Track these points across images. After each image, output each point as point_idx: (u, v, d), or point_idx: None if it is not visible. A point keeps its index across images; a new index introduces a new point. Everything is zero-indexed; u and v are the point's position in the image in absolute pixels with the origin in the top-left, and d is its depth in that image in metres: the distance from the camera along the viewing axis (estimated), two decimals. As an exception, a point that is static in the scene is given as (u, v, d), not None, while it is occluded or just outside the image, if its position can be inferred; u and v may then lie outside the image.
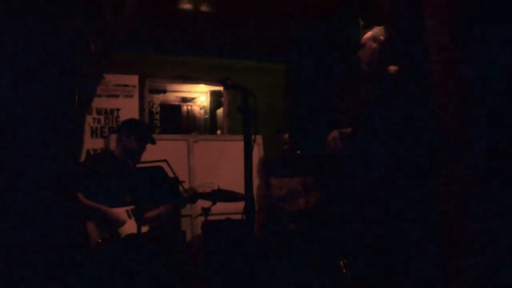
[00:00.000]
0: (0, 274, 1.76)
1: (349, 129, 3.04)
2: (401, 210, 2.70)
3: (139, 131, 3.50)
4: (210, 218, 4.01)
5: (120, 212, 3.26)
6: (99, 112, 5.17)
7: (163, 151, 3.60)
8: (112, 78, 5.22)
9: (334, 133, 3.07)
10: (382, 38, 2.98)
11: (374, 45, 3.00)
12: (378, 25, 3.06)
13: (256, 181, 4.90)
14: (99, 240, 3.10)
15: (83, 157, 4.74)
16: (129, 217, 3.28)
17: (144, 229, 3.29)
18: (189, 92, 7.29)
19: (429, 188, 2.61)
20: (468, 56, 2.42)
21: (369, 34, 3.04)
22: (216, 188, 3.90)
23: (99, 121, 5.15)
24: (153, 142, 3.53)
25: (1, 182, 1.82)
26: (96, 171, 3.33)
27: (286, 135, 4.71)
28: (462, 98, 2.44)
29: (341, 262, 3.45)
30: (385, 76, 2.89)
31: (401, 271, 2.68)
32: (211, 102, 7.33)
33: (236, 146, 5.01)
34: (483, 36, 2.38)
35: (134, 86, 5.36)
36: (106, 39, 2.35)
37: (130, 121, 3.69)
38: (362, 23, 3.68)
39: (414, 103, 2.72)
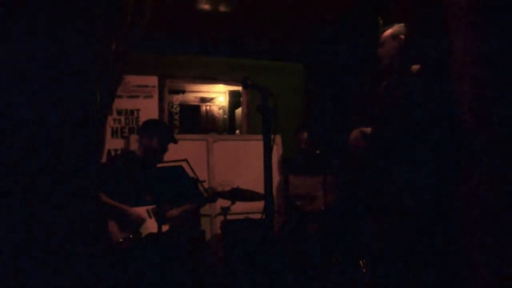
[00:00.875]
0: (16, 273, 1.79)
1: (370, 129, 3.02)
2: (425, 211, 2.67)
3: (161, 132, 3.52)
4: (229, 217, 4.02)
5: (141, 211, 3.29)
6: (119, 112, 5.23)
7: (183, 151, 3.62)
8: (132, 79, 5.28)
9: (356, 133, 3.05)
10: (402, 36, 2.95)
11: (394, 43, 2.96)
12: (398, 22, 3.03)
13: (275, 181, 4.90)
14: (120, 240, 3.13)
15: (104, 157, 4.79)
16: (150, 217, 3.31)
17: (165, 228, 3.31)
18: (208, 92, 7.32)
19: (454, 190, 2.58)
20: (491, 54, 2.38)
21: (389, 32, 3.00)
22: (235, 188, 3.91)
23: (119, 121, 5.21)
24: (175, 141, 3.55)
25: (22, 180, 1.84)
26: (117, 170, 3.36)
27: (305, 134, 4.70)
28: (485, 97, 2.41)
29: (361, 262, 3.44)
30: (407, 75, 2.86)
31: (422, 273, 2.66)
32: (230, 102, 7.35)
33: (255, 145, 5.04)
34: (506, 33, 2.34)
35: (154, 86, 5.41)
36: (126, 39, 2.37)
37: (151, 122, 3.73)
38: (381, 21, 3.65)
39: (437, 102, 2.69)
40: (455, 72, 2.55)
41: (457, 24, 2.55)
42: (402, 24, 3.00)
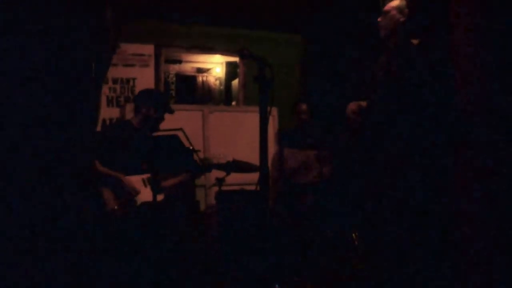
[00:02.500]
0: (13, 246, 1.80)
1: (367, 102, 3.00)
2: (419, 184, 2.68)
3: (158, 101, 3.52)
4: (224, 188, 4.03)
5: (135, 180, 3.29)
6: (115, 81, 5.18)
7: (178, 121, 3.60)
8: (128, 48, 5.21)
9: (352, 106, 3.04)
10: (407, 10, 2.90)
11: (399, 16, 2.91)
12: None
13: (270, 153, 4.91)
14: (116, 207, 3.15)
15: (99, 126, 4.78)
16: (145, 186, 3.32)
17: (160, 197, 3.33)
18: (204, 62, 7.24)
19: (447, 166, 2.58)
20: (494, 36, 2.35)
21: (395, 3, 2.94)
22: (231, 159, 3.91)
23: (114, 90, 5.17)
24: (171, 111, 3.55)
25: (14, 153, 1.83)
26: (113, 139, 3.36)
27: (304, 106, 4.68)
28: (485, 78, 2.39)
29: (353, 235, 3.47)
30: (407, 49, 2.83)
31: (415, 245, 2.69)
32: (227, 73, 7.28)
33: (251, 117, 5.03)
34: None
35: (150, 55, 5.35)
36: (122, 7, 2.33)
37: (149, 91, 3.72)
38: (382, -7, 3.59)
39: (436, 78, 2.67)
40: (455, 47, 2.53)
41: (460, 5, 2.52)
42: None
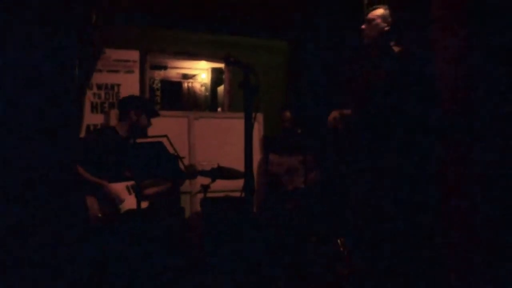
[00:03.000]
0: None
1: (349, 111, 3.02)
2: (404, 190, 2.70)
3: (147, 107, 3.52)
4: (209, 195, 4.02)
5: (120, 187, 3.26)
6: (99, 87, 5.14)
7: (164, 127, 3.59)
8: (113, 53, 5.17)
9: (335, 113, 3.06)
10: (390, 19, 2.94)
11: (384, 25, 2.94)
12: (382, 4, 3.02)
13: (256, 159, 4.90)
14: (99, 215, 3.12)
15: (83, 132, 4.73)
16: (129, 193, 3.29)
17: (144, 205, 3.30)
18: (190, 68, 7.23)
19: (433, 173, 2.61)
20: (476, 41, 2.39)
21: (379, 11, 2.97)
22: (216, 166, 3.90)
23: (99, 96, 5.13)
24: (157, 114, 3.56)
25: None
26: (97, 146, 3.33)
27: (288, 113, 4.69)
28: (469, 83, 2.42)
29: (338, 240, 3.48)
30: (390, 57, 2.86)
31: (402, 251, 2.70)
32: (212, 79, 7.27)
33: (237, 123, 5.02)
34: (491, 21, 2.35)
35: (135, 61, 5.32)
36: (107, 12, 2.32)
37: (134, 97, 3.71)
38: (366, 1, 3.63)
39: (418, 84, 2.70)
40: (436, 55, 2.56)
41: (441, 6, 2.55)
42: (387, 6, 2.99)
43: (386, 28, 2.94)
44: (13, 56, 1.86)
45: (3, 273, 1.75)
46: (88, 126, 4.96)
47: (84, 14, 2.14)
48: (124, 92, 5.07)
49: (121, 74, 5.24)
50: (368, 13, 3.03)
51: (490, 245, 2.29)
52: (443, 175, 2.52)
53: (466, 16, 2.43)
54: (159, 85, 7.05)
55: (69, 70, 2.07)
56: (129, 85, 5.23)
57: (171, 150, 3.38)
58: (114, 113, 4.91)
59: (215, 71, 7.12)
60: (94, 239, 3.00)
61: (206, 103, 7.40)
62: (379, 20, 2.96)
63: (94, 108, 5.08)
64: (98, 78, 5.07)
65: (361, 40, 3.03)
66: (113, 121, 4.81)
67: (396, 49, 2.91)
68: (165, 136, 3.35)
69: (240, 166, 2.66)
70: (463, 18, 2.44)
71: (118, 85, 5.21)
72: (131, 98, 3.66)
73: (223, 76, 6.17)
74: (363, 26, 3.01)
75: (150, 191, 3.44)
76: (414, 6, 3.06)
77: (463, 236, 2.39)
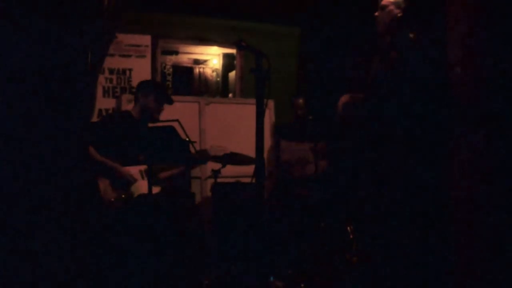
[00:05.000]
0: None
1: (361, 95, 3.00)
2: (413, 179, 2.69)
3: (157, 91, 3.53)
4: (220, 180, 4.03)
5: (133, 171, 3.29)
6: (111, 71, 5.15)
7: (175, 113, 3.59)
8: (125, 38, 5.18)
9: (345, 98, 3.03)
10: (404, 5, 2.90)
11: (397, 11, 2.90)
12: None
13: (267, 145, 4.90)
14: (112, 199, 3.14)
15: (95, 116, 4.76)
16: (142, 177, 3.31)
17: (156, 189, 3.32)
18: (201, 54, 7.22)
19: (442, 161, 2.58)
20: (490, 28, 2.35)
21: None
22: (228, 152, 3.90)
23: (111, 80, 5.14)
24: (170, 102, 3.56)
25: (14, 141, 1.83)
26: (111, 130, 3.35)
27: (301, 100, 4.68)
28: (481, 72, 2.38)
29: (348, 228, 3.48)
30: (403, 43, 2.83)
31: (410, 239, 2.70)
32: (224, 64, 7.26)
33: (248, 109, 5.01)
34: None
35: (147, 46, 5.32)
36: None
37: (148, 82, 3.76)
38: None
39: (432, 71, 2.67)
40: (451, 42, 2.52)
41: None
42: None
43: (399, 14, 2.90)
44: (25, 39, 1.86)
45: (12, 260, 1.77)
46: (100, 110, 4.99)
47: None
48: (136, 77, 5.08)
49: (132, 58, 5.25)
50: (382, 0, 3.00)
51: (497, 248, 2.27)
52: (452, 168, 2.49)
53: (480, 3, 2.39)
54: (171, 70, 7.05)
55: (82, 54, 2.07)
56: (141, 70, 5.24)
57: (182, 135, 3.39)
58: (125, 98, 4.93)
59: (226, 57, 7.10)
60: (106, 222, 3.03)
61: (217, 89, 7.40)
62: (392, 7, 2.92)
63: (106, 92, 5.11)
64: (110, 62, 5.09)
65: (375, 27, 2.99)
66: (125, 105, 4.83)
67: (411, 35, 2.87)
68: (177, 120, 3.36)
69: (250, 152, 2.67)
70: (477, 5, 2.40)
71: (130, 70, 5.22)
72: (143, 82, 3.68)
73: (235, 62, 6.16)
74: (376, 13, 2.97)
75: (162, 175, 3.46)
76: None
77: (471, 235, 2.38)
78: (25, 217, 1.80)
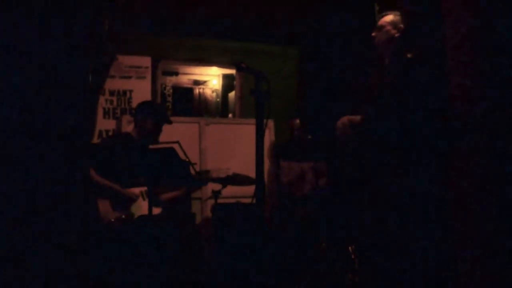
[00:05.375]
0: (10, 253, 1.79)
1: (359, 116, 3.01)
2: (412, 197, 2.68)
3: (155, 113, 3.54)
4: (220, 201, 4.02)
5: (136, 191, 3.30)
6: (111, 93, 5.18)
7: (175, 133, 3.61)
8: (125, 59, 5.22)
9: (344, 119, 3.05)
10: (401, 26, 2.93)
11: (394, 31, 2.93)
12: (393, 10, 3.01)
13: (267, 165, 4.90)
14: (112, 220, 3.13)
15: (95, 137, 4.77)
16: (143, 199, 3.31)
17: (156, 210, 3.31)
18: (201, 75, 7.27)
19: (441, 178, 2.58)
20: (489, 44, 2.37)
21: (389, 18, 2.96)
22: (230, 174, 3.90)
23: (111, 102, 5.17)
24: (169, 122, 3.57)
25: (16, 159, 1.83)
26: (111, 151, 3.36)
27: (297, 121, 4.69)
28: (479, 89, 2.40)
29: (349, 248, 3.46)
30: (400, 63, 2.85)
31: (411, 259, 2.68)
32: (223, 85, 7.31)
33: (248, 129, 5.02)
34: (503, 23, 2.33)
35: (147, 67, 5.36)
36: (120, 19, 2.34)
37: (146, 103, 3.75)
38: (377, 7, 3.63)
39: (429, 90, 2.69)
40: (448, 60, 2.54)
41: (452, 13, 2.53)
42: (398, 13, 2.98)
43: (396, 35, 2.93)
44: (26, 62, 1.88)
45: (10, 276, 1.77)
46: (100, 132, 5.00)
47: (97, 21, 2.16)
48: (136, 98, 5.10)
49: (133, 80, 5.28)
50: (378, 20, 3.03)
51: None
52: (452, 186, 2.49)
53: (479, 13, 2.42)
54: (171, 91, 7.09)
55: (83, 76, 2.09)
56: (141, 91, 5.27)
57: (182, 156, 3.40)
58: (125, 119, 4.94)
59: (226, 77, 7.15)
60: (107, 243, 3.01)
61: (217, 109, 7.43)
62: (389, 27, 2.95)
63: (106, 113, 5.13)
64: (111, 84, 5.12)
65: (373, 47, 3.02)
66: (125, 127, 4.84)
67: (408, 55, 2.89)
68: (177, 142, 3.37)
69: (250, 172, 2.67)
70: (475, 14, 2.43)
71: (130, 91, 5.25)
72: (141, 104, 3.69)
73: (234, 82, 6.19)
74: (373, 33, 3.00)
75: (164, 197, 3.46)
76: (425, 12, 3.05)
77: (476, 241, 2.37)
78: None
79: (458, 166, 2.46)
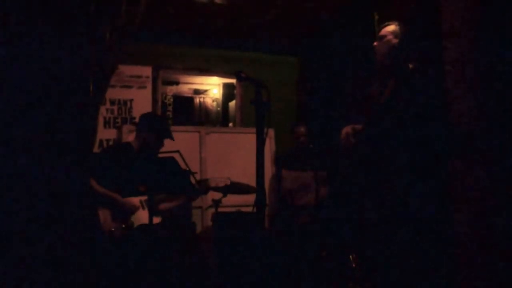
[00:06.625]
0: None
1: (362, 126, 3.02)
2: (414, 207, 2.68)
3: (159, 128, 3.54)
4: (220, 210, 4.02)
5: (135, 201, 3.29)
6: (112, 102, 5.19)
7: (176, 142, 3.61)
8: (126, 69, 5.24)
9: (347, 129, 3.06)
10: (401, 36, 2.94)
11: (395, 40, 2.95)
12: (393, 19, 3.03)
13: (267, 175, 4.90)
14: (112, 229, 3.13)
15: (96, 147, 4.77)
16: (143, 208, 3.31)
17: (156, 220, 3.31)
18: (201, 84, 7.30)
19: (443, 188, 2.59)
20: (486, 52, 2.39)
21: (391, 28, 2.98)
22: (229, 183, 3.90)
23: (112, 111, 5.18)
24: (171, 138, 3.57)
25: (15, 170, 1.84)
26: (111, 161, 3.36)
27: (303, 128, 4.69)
28: (478, 96, 2.41)
29: (350, 256, 3.45)
30: (401, 72, 2.86)
31: (413, 266, 2.67)
32: (224, 94, 7.33)
33: (248, 138, 5.03)
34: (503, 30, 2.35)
35: (148, 77, 5.38)
36: (121, 29, 2.36)
37: (151, 117, 3.73)
38: (377, 17, 3.65)
39: (429, 99, 2.70)
40: (449, 72, 2.56)
41: (452, 27, 2.55)
42: (398, 22, 2.99)
43: (397, 44, 2.95)
44: (26, 71, 1.89)
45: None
46: (101, 141, 5.01)
47: (98, 32, 2.17)
48: (137, 108, 5.12)
49: (134, 89, 5.30)
50: (380, 30, 3.05)
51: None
52: (452, 192, 2.50)
53: (477, 27, 2.44)
54: (171, 100, 7.11)
55: (84, 86, 2.10)
56: (142, 100, 5.28)
57: (183, 165, 3.40)
58: (126, 128, 4.96)
59: (226, 87, 7.17)
60: (107, 252, 3.01)
61: (218, 118, 7.44)
62: (390, 37, 2.97)
63: (107, 123, 5.14)
64: (111, 93, 5.13)
65: (374, 57, 3.04)
66: (125, 136, 4.85)
67: (410, 66, 2.91)
68: (178, 151, 3.37)
69: (251, 181, 2.67)
70: (473, 29, 2.44)
71: (131, 101, 5.26)
72: (145, 116, 3.69)
73: (235, 91, 6.21)
74: (375, 43, 3.02)
75: (164, 206, 3.46)
76: (425, 22, 3.07)
77: (477, 245, 2.37)
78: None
79: (459, 172, 2.47)
